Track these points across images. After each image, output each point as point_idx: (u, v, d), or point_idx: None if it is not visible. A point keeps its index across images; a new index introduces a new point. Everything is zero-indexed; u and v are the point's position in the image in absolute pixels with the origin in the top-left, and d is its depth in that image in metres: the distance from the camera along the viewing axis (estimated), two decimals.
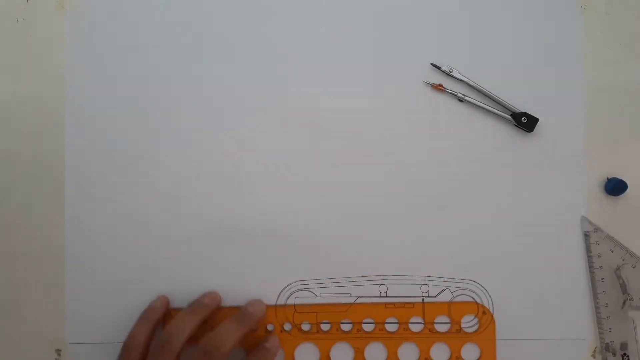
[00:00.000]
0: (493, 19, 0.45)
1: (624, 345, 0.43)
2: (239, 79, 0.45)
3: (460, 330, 0.43)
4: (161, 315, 0.43)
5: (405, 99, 0.45)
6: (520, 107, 0.44)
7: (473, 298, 0.44)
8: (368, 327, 0.44)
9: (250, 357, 0.41)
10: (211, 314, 0.42)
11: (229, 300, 0.44)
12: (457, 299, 0.44)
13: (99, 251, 0.44)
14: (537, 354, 0.43)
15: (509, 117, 0.44)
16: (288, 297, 0.44)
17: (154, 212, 0.44)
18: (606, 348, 0.43)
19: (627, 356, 0.42)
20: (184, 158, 0.45)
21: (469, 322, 0.43)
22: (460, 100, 0.44)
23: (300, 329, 0.44)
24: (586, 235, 0.43)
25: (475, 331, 0.43)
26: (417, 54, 0.45)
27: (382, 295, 0.44)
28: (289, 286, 0.44)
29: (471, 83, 0.44)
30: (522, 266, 0.44)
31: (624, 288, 0.42)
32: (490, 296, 0.44)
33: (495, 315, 0.43)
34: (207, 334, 0.40)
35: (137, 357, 0.40)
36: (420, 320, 0.44)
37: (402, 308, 0.44)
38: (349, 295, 0.44)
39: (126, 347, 0.41)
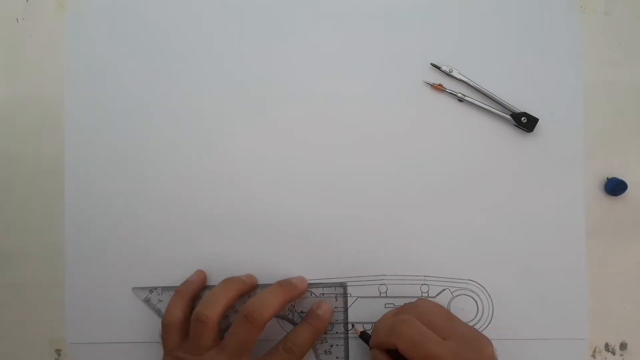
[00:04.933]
0: (493, 19, 0.45)
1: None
2: (240, 77, 0.45)
3: None
4: (197, 289, 0.43)
5: (405, 99, 0.45)
6: (520, 107, 0.44)
7: (473, 298, 0.44)
8: (368, 327, 0.44)
9: (302, 324, 0.41)
10: (298, 296, 0.42)
11: None
12: (457, 299, 0.44)
13: (99, 251, 0.44)
14: (537, 354, 0.43)
15: (509, 117, 0.44)
16: None
17: (153, 212, 0.44)
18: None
19: None
20: (184, 158, 0.45)
21: (470, 323, 0.43)
22: (460, 100, 0.44)
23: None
24: None
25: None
26: (417, 54, 0.45)
27: (382, 295, 0.44)
28: None
29: (471, 83, 0.44)
30: (522, 266, 0.44)
31: None
32: (490, 296, 0.44)
33: (495, 315, 0.43)
34: (250, 300, 0.40)
35: (176, 333, 0.41)
36: None
37: None
38: (349, 295, 0.44)
39: (164, 325, 0.41)
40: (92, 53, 0.45)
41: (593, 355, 0.43)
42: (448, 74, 0.44)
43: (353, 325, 0.43)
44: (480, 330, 0.43)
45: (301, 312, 0.43)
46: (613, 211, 0.44)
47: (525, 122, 0.43)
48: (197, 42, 0.45)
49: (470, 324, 0.43)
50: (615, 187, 0.43)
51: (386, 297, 0.44)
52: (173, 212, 0.44)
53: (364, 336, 0.42)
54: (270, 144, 0.45)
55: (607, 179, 0.44)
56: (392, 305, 0.44)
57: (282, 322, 0.44)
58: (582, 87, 0.44)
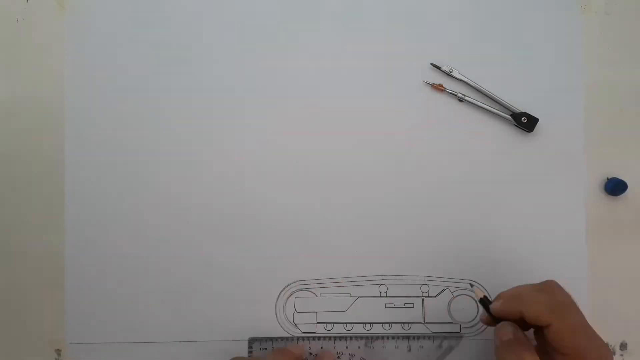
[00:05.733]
0: (493, 19, 0.45)
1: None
2: (240, 77, 0.45)
3: (460, 330, 0.43)
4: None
5: (405, 99, 0.45)
6: (520, 107, 0.44)
7: (473, 298, 0.44)
8: (368, 327, 0.44)
9: None
10: None
11: (228, 300, 0.44)
12: (457, 299, 0.44)
13: (98, 251, 0.44)
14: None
15: (509, 117, 0.44)
16: (288, 297, 0.44)
17: (153, 212, 0.44)
18: None
19: None
20: (184, 158, 0.45)
21: (469, 323, 0.43)
22: (460, 100, 0.44)
23: None
24: None
25: (479, 333, 0.43)
26: (417, 54, 0.45)
27: (382, 295, 0.44)
28: (289, 286, 0.44)
29: (471, 83, 0.44)
30: (522, 266, 0.44)
31: None
32: (490, 296, 0.44)
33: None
34: None
35: None
36: (420, 320, 0.44)
37: (402, 308, 0.44)
38: (349, 295, 0.44)
39: None
40: (92, 53, 0.45)
41: None
42: (448, 74, 0.44)
43: (472, 285, 0.42)
44: (480, 330, 0.43)
45: None
46: (613, 211, 0.44)
47: (525, 122, 0.43)
48: (197, 42, 0.45)
49: (471, 324, 0.43)
50: (615, 187, 0.43)
51: (386, 297, 0.44)
52: (173, 212, 0.44)
53: (485, 301, 0.39)
54: (268, 143, 0.44)
55: (607, 179, 0.44)
56: (392, 305, 0.44)
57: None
58: (582, 87, 0.44)
